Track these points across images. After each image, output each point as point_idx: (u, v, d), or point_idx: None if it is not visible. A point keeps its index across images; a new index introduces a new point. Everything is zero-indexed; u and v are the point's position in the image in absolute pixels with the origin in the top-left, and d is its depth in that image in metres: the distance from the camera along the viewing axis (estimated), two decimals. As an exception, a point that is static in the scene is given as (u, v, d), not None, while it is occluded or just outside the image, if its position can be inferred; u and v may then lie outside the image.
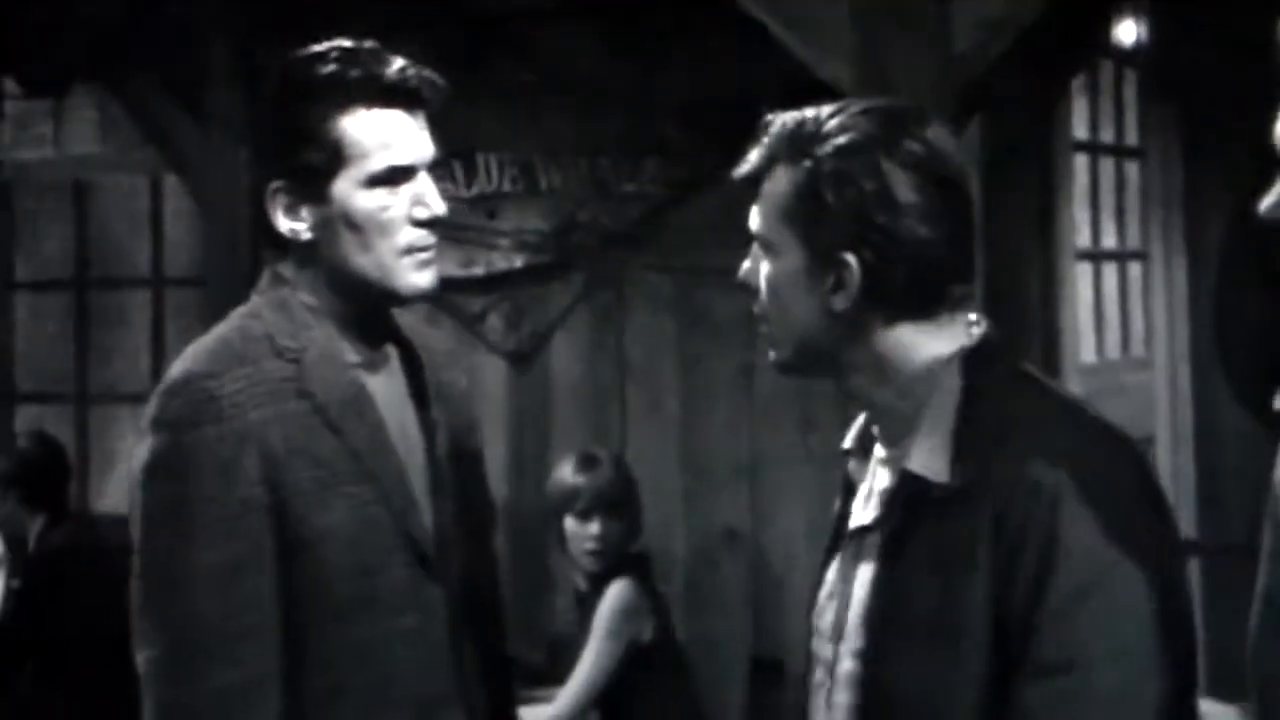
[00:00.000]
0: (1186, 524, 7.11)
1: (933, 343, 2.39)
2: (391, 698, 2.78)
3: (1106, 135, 7.23)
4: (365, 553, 2.76)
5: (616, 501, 5.34)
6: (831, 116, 2.39)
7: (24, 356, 7.91)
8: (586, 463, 5.41)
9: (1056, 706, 2.24)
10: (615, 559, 5.30)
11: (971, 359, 2.39)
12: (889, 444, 2.44)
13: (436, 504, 2.86)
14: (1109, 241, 7.32)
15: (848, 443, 2.52)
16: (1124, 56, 6.85)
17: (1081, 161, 7.02)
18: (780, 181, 2.40)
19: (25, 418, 7.68)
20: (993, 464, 2.31)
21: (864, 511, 2.47)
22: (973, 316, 2.43)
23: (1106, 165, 7.22)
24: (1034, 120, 6.15)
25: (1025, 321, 6.44)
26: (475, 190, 6.49)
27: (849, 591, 2.46)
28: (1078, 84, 6.87)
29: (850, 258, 2.34)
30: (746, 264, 2.47)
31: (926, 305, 2.39)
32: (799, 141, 2.39)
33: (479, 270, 6.55)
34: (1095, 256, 7.17)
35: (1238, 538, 7.08)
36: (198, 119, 6.66)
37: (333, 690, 2.76)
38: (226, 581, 2.69)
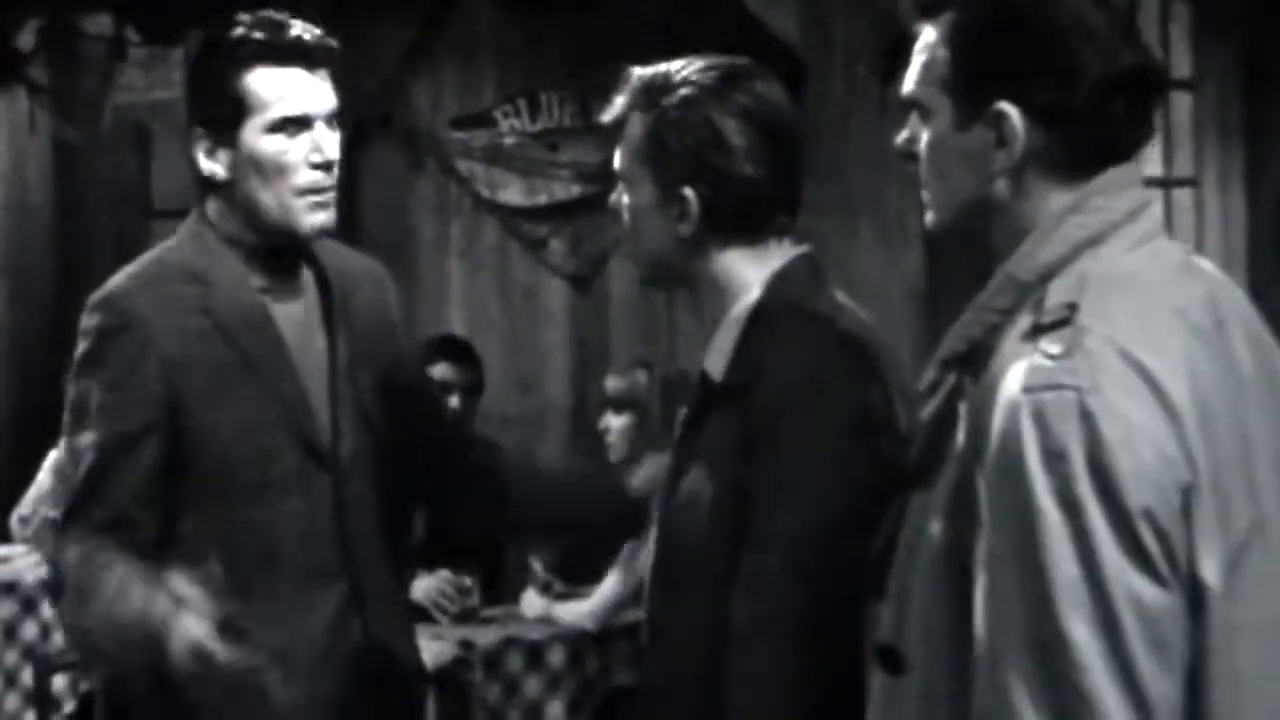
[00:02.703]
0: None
1: (757, 264, 2.75)
2: (279, 568, 3.22)
3: (1151, 69, 7.49)
4: (257, 446, 3.20)
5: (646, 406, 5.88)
6: (678, 72, 2.76)
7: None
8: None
9: (763, 575, 2.60)
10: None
11: (774, 279, 2.75)
12: None
13: (335, 408, 3.27)
14: (1153, 170, 7.59)
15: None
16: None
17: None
18: (635, 127, 2.77)
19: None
20: (753, 368, 2.67)
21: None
22: (802, 248, 2.78)
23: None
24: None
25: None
26: (538, 126, 6.97)
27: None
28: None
29: (690, 192, 2.72)
30: (613, 196, 2.85)
31: (755, 232, 2.75)
32: (649, 93, 2.76)
33: (542, 199, 7.03)
34: (1134, 184, 7.44)
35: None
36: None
37: (230, 561, 3.17)
38: (116, 451, 3.16)
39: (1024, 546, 2.00)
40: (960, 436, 2.12)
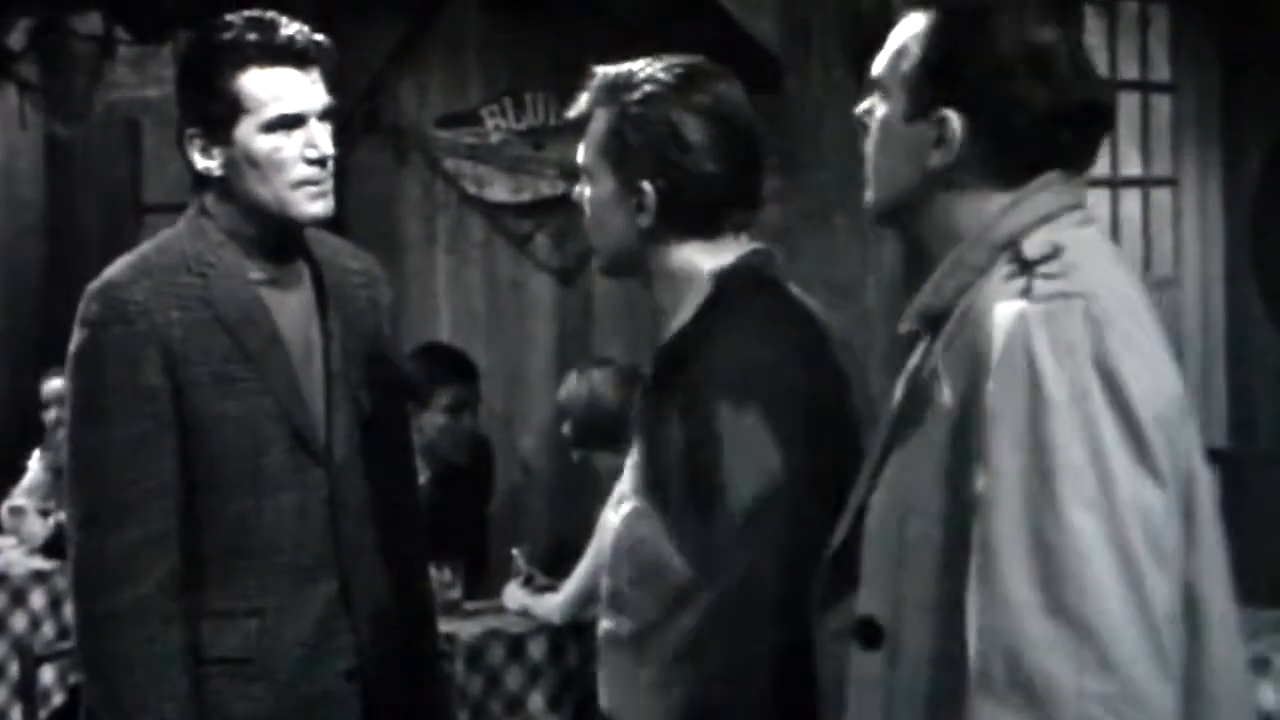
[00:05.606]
0: (1217, 435, 7.46)
1: (713, 258, 2.83)
2: (270, 561, 3.22)
3: (1129, 73, 7.60)
4: (251, 437, 3.20)
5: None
6: (641, 70, 2.85)
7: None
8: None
9: (702, 554, 2.69)
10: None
11: (725, 272, 2.82)
12: None
13: (329, 400, 3.29)
14: (1132, 170, 7.69)
15: None
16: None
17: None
18: (598, 123, 2.85)
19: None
20: (695, 353, 2.75)
21: None
22: (759, 244, 2.85)
23: (1129, 100, 7.58)
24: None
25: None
26: (524, 124, 7.04)
27: None
28: (1096, 28, 7.26)
29: (648, 185, 2.80)
30: (576, 188, 2.93)
31: (712, 226, 2.83)
32: (613, 91, 2.84)
33: (527, 196, 7.09)
34: (1113, 184, 7.54)
35: (1271, 450, 7.49)
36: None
37: (220, 552, 3.21)
38: (132, 454, 3.16)
39: (1031, 435, 2.06)
40: (945, 393, 2.19)
